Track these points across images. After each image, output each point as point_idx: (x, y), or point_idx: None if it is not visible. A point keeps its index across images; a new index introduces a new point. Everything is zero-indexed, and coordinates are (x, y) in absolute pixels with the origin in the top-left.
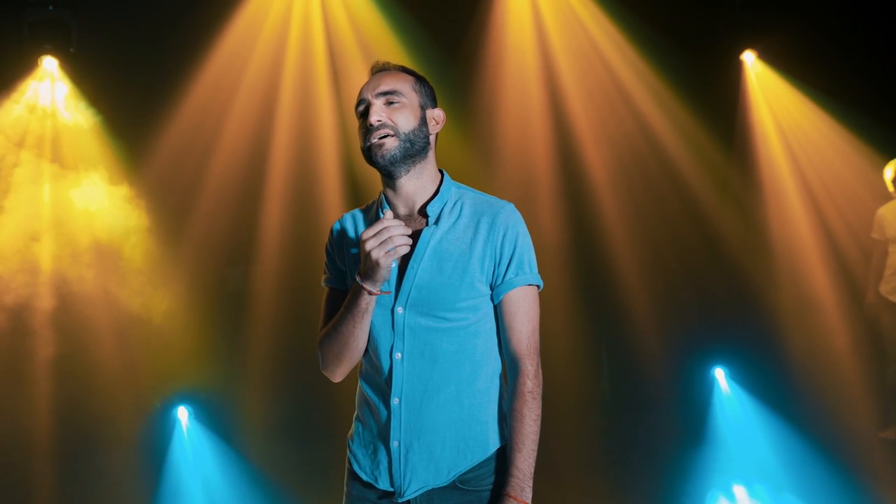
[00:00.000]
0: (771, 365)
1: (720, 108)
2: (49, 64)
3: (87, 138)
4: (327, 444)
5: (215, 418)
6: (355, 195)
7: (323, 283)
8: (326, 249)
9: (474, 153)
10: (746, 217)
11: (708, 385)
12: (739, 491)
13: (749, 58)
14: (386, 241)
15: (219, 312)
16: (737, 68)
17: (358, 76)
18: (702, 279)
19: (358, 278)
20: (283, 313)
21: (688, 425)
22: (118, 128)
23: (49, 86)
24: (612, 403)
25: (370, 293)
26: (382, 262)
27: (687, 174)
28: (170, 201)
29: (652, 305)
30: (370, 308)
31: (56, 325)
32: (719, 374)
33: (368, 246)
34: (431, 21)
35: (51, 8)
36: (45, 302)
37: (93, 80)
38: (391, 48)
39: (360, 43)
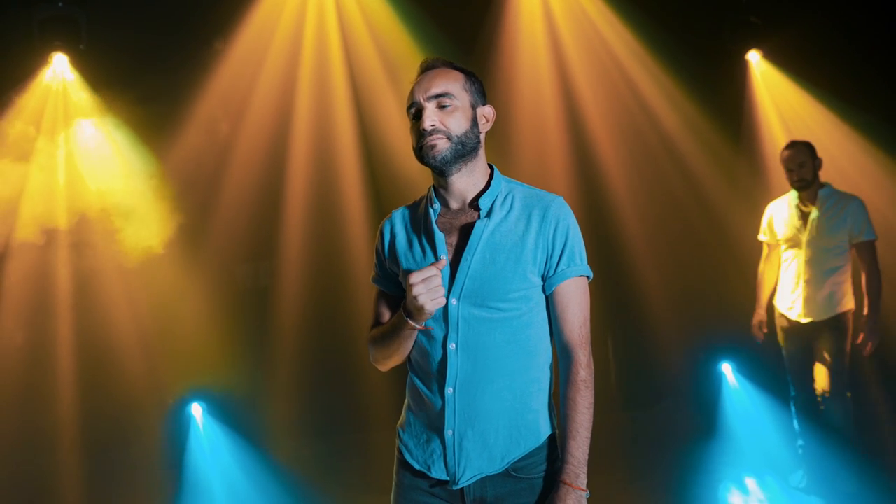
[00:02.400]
0: (777, 359)
1: (727, 107)
2: (59, 60)
3: (99, 131)
4: (341, 439)
5: (229, 414)
6: (375, 190)
7: (371, 281)
8: (376, 249)
9: (489, 150)
10: (755, 213)
11: (716, 379)
12: (751, 483)
13: (754, 57)
14: (434, 288)
15: (233, 309)
16: (742, 68)
17: (373, 72)
18: (709, 274)
19: (403, 312)
20: (297, 310)
21: (697, 419)
22: (128, 125)
23: (60, 81)
24: (620, 398)
25: (413, 328)
26: (428, 307)
27: (697, 171)
28: (188, 199)
29: (660, 300)
30: (413, 335)
31: (75, 326)
32: (726, 368)
33: (416, 291)
34: (445, 18)
35: (60, 4)
36: (63, 301)
37: (103, 76)
38: (405, 44)
39: (374, 40)
